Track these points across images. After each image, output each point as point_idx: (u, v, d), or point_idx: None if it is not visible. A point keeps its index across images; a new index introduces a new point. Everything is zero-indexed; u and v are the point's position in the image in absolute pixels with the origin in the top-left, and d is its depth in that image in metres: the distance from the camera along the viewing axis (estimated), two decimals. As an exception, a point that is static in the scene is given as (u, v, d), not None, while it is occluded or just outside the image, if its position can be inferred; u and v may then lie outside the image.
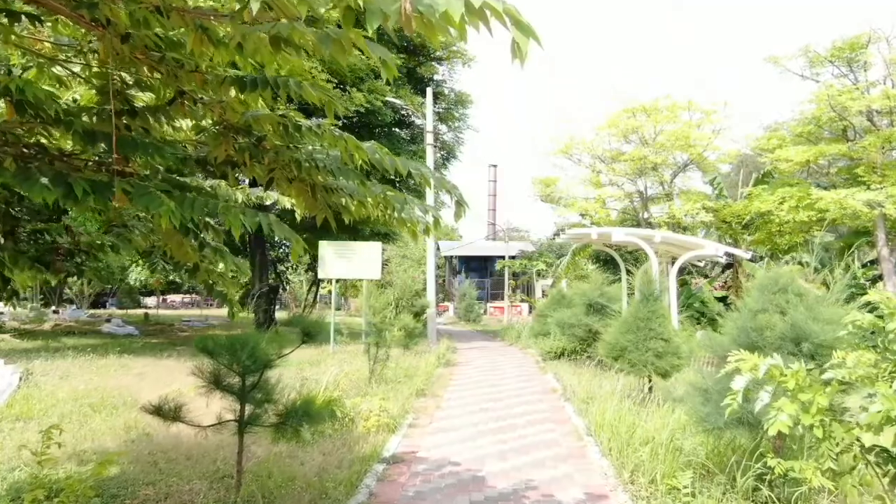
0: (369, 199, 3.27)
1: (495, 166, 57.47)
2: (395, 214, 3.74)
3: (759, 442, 5.25)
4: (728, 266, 22.49)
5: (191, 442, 6.98)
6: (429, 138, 18.44)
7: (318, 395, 8.19)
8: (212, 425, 5.45)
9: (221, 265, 4.11)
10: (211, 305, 54.38)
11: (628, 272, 16.10)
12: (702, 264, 18.41)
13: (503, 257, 37.39)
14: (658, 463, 5.51)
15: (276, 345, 5.59)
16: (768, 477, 4.91)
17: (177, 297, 59.42)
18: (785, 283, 5.22)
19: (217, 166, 3.14)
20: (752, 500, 4.95)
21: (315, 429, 7.66)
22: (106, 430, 7.74)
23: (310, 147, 3.00)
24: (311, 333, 5.46)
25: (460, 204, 3.32)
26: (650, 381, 9.13)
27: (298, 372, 11.43)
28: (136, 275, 56.05)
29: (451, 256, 53.69)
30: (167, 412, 5.38)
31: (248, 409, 5.55)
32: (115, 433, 7.62)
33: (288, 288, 42.09)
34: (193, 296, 60.78)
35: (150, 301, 56.82)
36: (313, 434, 7.68)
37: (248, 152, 2.89)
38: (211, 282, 4.20)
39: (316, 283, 36.75)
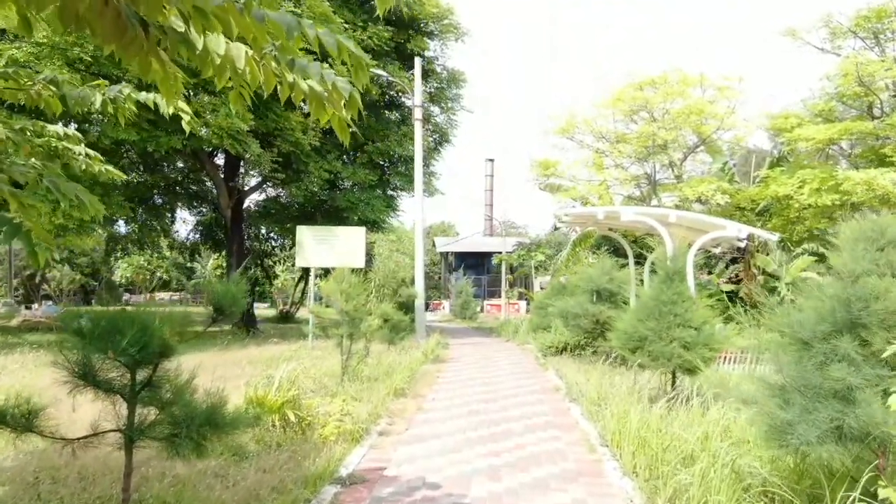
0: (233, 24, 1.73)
1: (492, 160, 56.04)
2: (302, 84, 2.17)
3: (855, 461, 3.70)
4: (733, 261, 21.03)
5: (92, 457, 5.39)
6: (417, 113, 16.76)
7: (266, 396, 6.60)
8: (83, 437, 3.89)
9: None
10: (200, 303, 52.80)
11: (637, 262, 14.54)
12: (717, 249, 16.85)
13: (500, 253, 35.80)
14: (710, 490, 3.94)
15: (177, 325, 4.04)
16: (880, 514, 3.36)
17: (165, 295, 57.95)
18: (894, 235, 3.67)
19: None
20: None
21: (258, 438, 6.09)
22: (-8, 440, 6.12)
23: None
24: (222, 309, 3.93)
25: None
26: (674, 378, 7.58)
27: (264, 370, 9.85)
28: (122, 271, 54.64)
29: (447, 253, 52.04)
30: (14, 420, 3.81)
31: (149, 412, 4.01)
32: (3, 445, 6.01)
33: (276, 283, 40.47)
34: (182, 293, 59.67)
35: (138, 299, 55.36)
36: (257, 442, 6.12)
37: None
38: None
39: (305, 277, 35.04)
